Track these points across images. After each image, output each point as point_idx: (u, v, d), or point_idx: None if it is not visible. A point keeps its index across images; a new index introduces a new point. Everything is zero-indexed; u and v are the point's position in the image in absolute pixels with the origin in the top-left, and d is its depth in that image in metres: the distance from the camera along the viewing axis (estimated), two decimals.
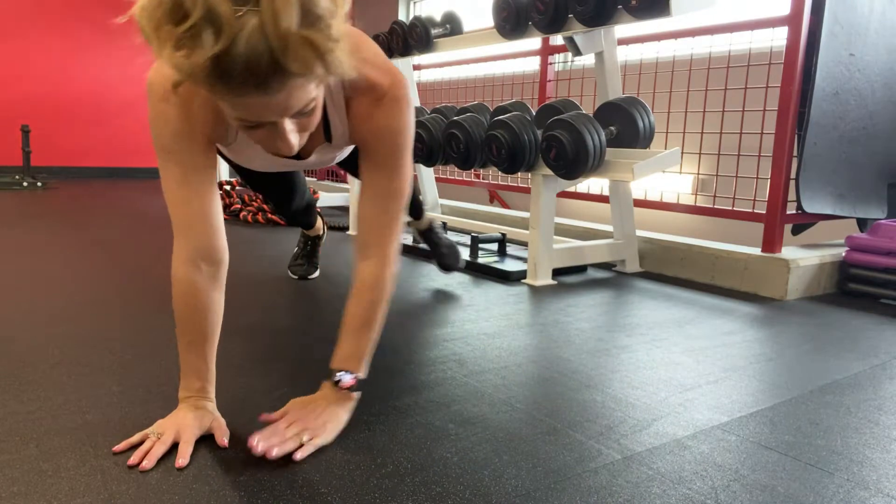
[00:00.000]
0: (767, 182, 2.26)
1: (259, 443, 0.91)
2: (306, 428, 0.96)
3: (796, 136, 2.23)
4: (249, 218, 3.48)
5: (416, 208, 2.11)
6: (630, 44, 2.79)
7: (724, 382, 1.33)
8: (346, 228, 3.36)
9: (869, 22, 2.29)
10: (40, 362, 1.29)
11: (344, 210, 4.19)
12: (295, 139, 0.82)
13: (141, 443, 0.94)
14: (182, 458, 0.90)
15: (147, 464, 0.88)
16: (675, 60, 2.72)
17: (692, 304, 2.02)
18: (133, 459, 0.89)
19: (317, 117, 0.85)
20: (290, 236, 3.09)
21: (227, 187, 3.94)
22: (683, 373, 1.38)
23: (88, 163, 6.67)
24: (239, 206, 3.69)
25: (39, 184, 5.04)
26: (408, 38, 3.10)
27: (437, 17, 3.11)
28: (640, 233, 2.60)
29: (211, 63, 0.67)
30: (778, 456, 1.01)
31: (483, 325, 1.68)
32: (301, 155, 1.13)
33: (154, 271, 2.20)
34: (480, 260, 2.44)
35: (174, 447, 0.93)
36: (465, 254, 2.54)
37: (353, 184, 3.28)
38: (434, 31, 3.04)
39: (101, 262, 2.31)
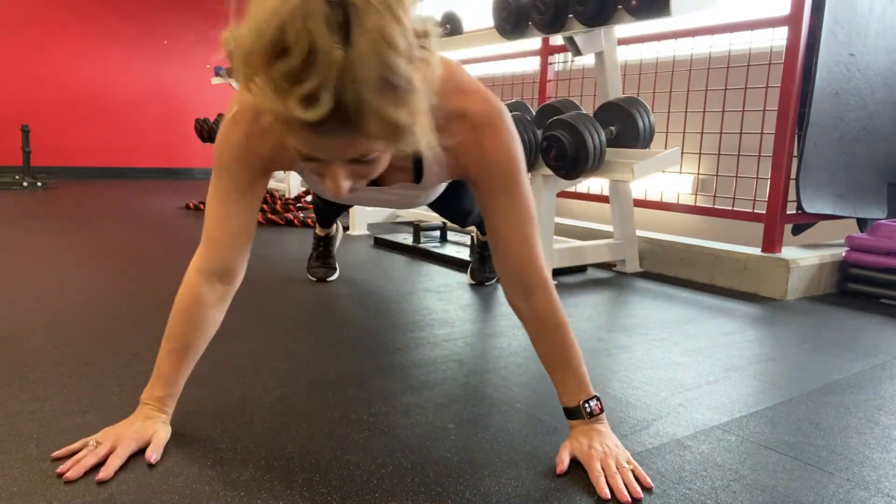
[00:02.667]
0: (767, 182, 2.26)
1: (621, 494, 0.86)
2: (616, 456, 0.92)
3: (796, 136, 2.23)
4: None
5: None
6: (630, 44, 2.79)
7: (724, 382, 1.33)
8: (346, 228, 3.35)
9: (869, 22, 2.29)
10: (40, 362, 1.29)
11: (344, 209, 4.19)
12: (346, 184, 0.77)
13: (79, 450, 0.91)
14: (104, 472, 0.86)
15: (72, 475, 0.85)
16: (675, 60, 2.72)
17: (692, 304, 2.02)
18: (61, 469, 0.87)
19: (380, 167, 0.80)
20: (290, 236, 3.09)
21: None
22: (683, 373, 1.38)
23: (88, 163, 6.66)
24: None
25: (39, 184, 5.04)
26: None
27: (437, 17, 3.11)
28: (640, 233, 2.59)
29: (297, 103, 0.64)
30: (778, 456, 1.01)
31: (483, 325, 1.68)
32: (378, 183, 1.08)
33: (154, 271, 2.20)
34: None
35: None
36: (465, 254, 2.55)
37: None
38: None
39: (101, 262, 2.31)
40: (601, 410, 0.98)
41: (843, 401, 1.26)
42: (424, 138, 0.73)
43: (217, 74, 5.84)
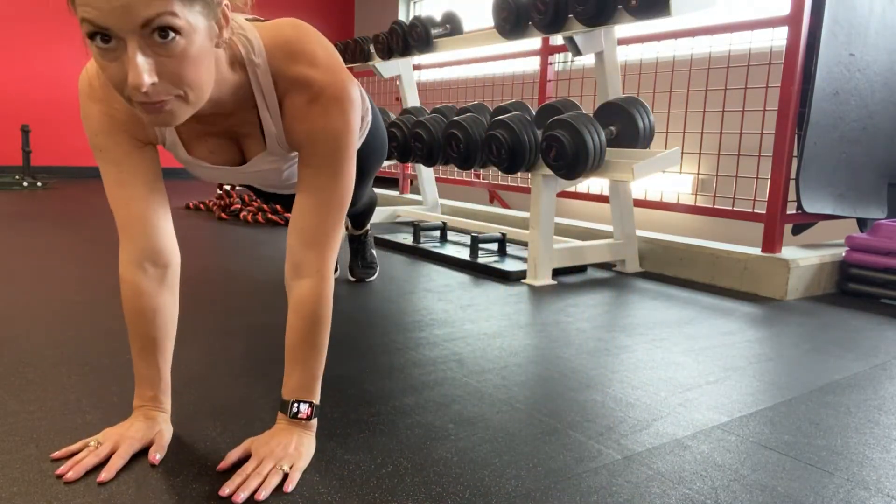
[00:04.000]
0: (767, 182, 2.27)
1: (239, 492, 0.82)
2: (281, 459, 0.89)
3: (796, 136, 2.23)
4: (249, 218, 3.48)
5: (361, 218, 2.09)
6: (630, 44, 2.79)
7: (724, 382, 1.33)
8: (346, 228, 3.35)
9: (869, 22, 2.29)
10: (40, 362, 1.29)
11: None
12: (146, 75, 0.70)
13: (79, 451, 0.91)
14: (106, 473, 0.85)
15: (72, 475, 0.85)
16: (675, 60, 2.72)
17: (692, 304, 2.02)
18: (61, 469, 0.86)
19: (186, 67, 0.73)
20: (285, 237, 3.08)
21: (227, 187, 3.94)
22: (683, 373, 1.38)
23: (88, 163, 6.66)
24: (239, 206, 3.69)
25: (39, 184, 5.04)
26: (408, 38, 3.10)
27: (437, 17, 3.11)
28: (640, 233, 2.60)
29: None
30: (778, 456, 1.01)
31: (483, 325, 1.68)
32: (246, 159, 1.03)
33: None
34: (480, 260, 2.44)
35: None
36: (465, 254, 2.55)
37: None
38: (434, 31, 3.05)
39: (101, 262, 2.31)
40: (308, 418, 0.94)
41: (843, 401, 1.26)
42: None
43: None
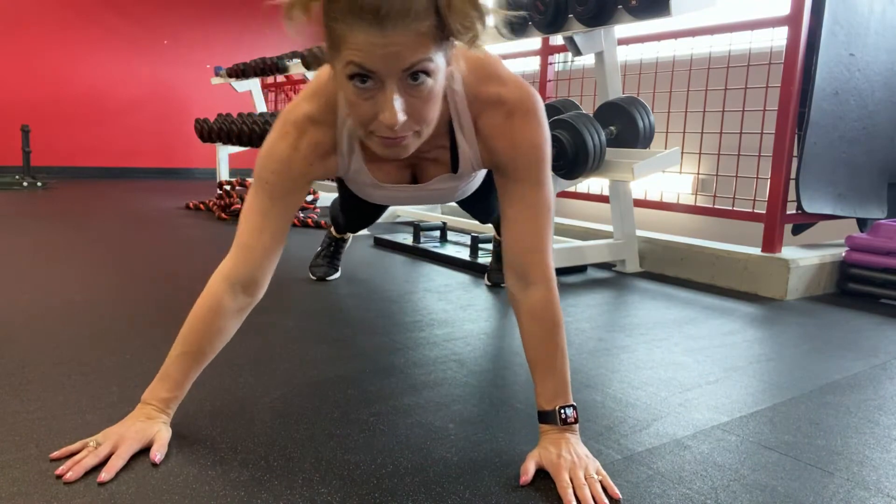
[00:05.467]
0: (767, 182, 2.27)
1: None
2: (586, 466, 0.90)
3: (796, 136, 2.23)
4: None
5: None
6: (630, 44, 2.79)
7: (724, 382, 1.33)
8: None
9: (869, 22, 2.29)
10: (40, 362, 1.29)
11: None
12: (400, 113, 0.78)
13: (78, 451, 0.90)
14: (106, 473, 0.85)
15: (71, 476, 0.85)
16: (675, 60, 2.72)
17: (692, 304, 2.02)
18: (60, 470, 0.86)
19: (429, 107, 0.81)
20: (289, 237, 3.08)
21: (227, 187, 3.94)
22: (683, 373, 1.38)
23: (88, 163, 6.67)
24: (239, 206, 3.69)
25: (39, 184, 5.04)
26: None
27: None
28: (640, 233, 2.59)
29: None
30: (778, 456, 1.01)
31: (483, 325, 1.68)
32: (418, 180, 1.09)
33: (154, 271, 2.20)
34: (481, 259, 2.44)
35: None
36: (465, 254, 2.55)
37: None
38: None
39: (101, 263, 2.31)
40: (576, 420, 0.95)
41: (843, 401, 1.26)
42: (483, 39, 0.77)
43: (217, 74, 5.84)
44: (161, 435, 0.95)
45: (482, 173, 1.24)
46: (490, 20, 0.77)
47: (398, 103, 0.77)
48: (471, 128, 0.96)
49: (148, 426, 0.95)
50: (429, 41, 0.75)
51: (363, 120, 0.81)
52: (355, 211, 1.78)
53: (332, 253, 2.17)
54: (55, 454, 0.91)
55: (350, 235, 2.21)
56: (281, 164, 0.96)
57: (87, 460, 0.88)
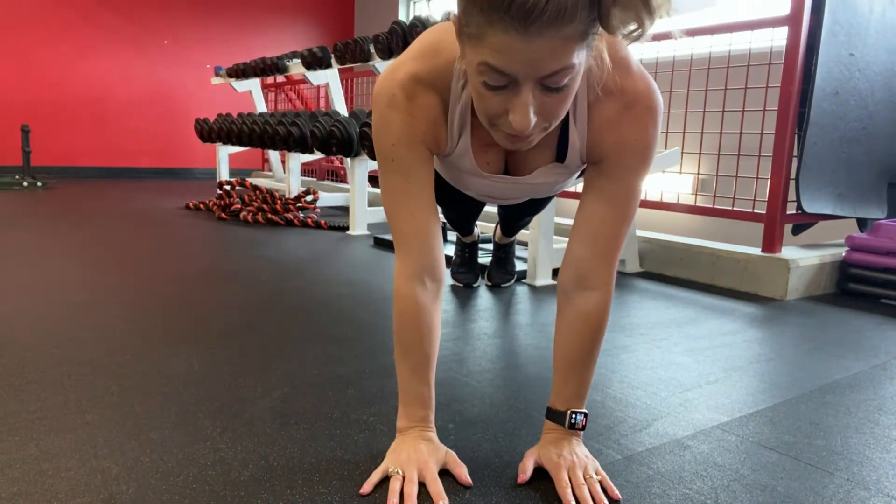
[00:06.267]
0: (767, 182, 2.27)
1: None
2: (585, 465, 0.89)
3: (796, 136, 2.23)
4: (249, 218, 3.48)
5: (520, 227, 2.03)
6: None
7: (724, 382, 1.33)
8: (346, 228, 3.36)
9: (869, 22, 2.29)
10: (40, 362, 1.29)
11: (343, 210, 4.19)
12: (532, 115, 0.72)
13: (386, 480, 0.87)
14: (443, 501, 0.82)
15: None
16: (675, 60, 2.72)
17: (692, 304, 2.02)
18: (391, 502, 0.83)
19: (563, 106, 0.75)
20: (290, 236, 3.09)
21: (227, 187, 3.94)
22: (683, 373, 1.38)
23: (88, 163, 6.67)
24: (239, 206, 3.69)
25: (39, 184, 5.04)
26: (408, 38, 3.10)
27: (437, 18, 3.11)
28: (640, 233, 2.60)
29: None
30: (778, 456, 1.01)
31: (483, 325, 1.68)
32: (520, 171, 0.99)
33: (154, 271, 2.20)
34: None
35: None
36: None
37: (353, 184, 3.28)
38: None
39: (101, 262, 2.31)
40: (584, 427, 0.94)
41: (843, 401, 1.26)
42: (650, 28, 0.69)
43: (217, 74, 5.84)
44: (453, 455, 0.92)
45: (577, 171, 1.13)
46: (657, 13, 0.67)
47: (532, 106, 0.72)
48: (584, 116, 0.88)
49: (433, 447, 0.91)
50: (575, 44, 0.68)
51: (490, 114, 0.75)
52: (458, 204, 1.51)
53: (468, 259, 2.15)
54: (366, 489, 0.86)
55: (478, 235, 2.16)
56: (400, 134, 0.88)
57: (411, 490, 0.84)
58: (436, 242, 0.93)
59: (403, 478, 0.86)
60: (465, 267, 2.14)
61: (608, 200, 0.90)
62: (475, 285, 2.15)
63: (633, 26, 0.67)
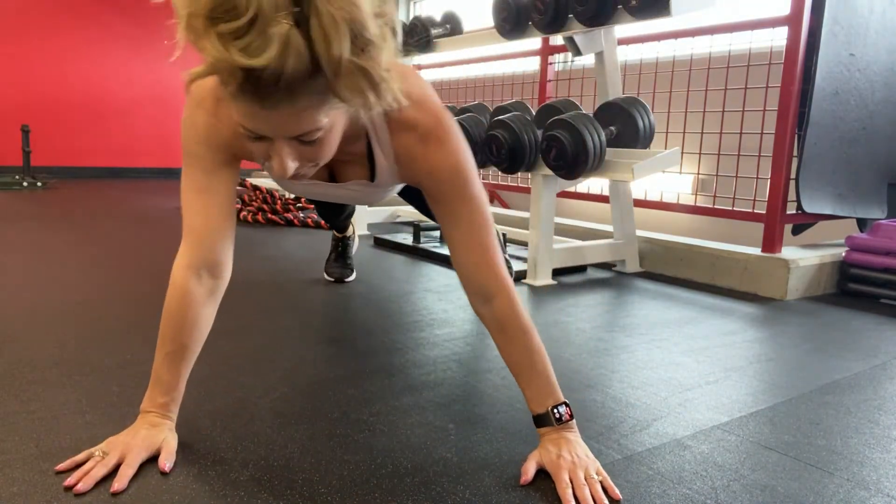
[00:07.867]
0: (767, 182, 2.26)
1: None
2: (586, 466, 0.90)
3: (796, 136, 2.23)
4: (249, 218, 3.48)
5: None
6: (630, 44, 2.79)
7: (724, 382, 1.33)
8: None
9: (869, 22, 2.29)
10: (40, 362, 1.29)
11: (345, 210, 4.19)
12: (291, 164, 0.77)
13: (84, 462, 0.88)
14: (118, 483, 0.84)
15: (82, 486, 0.83)
16: (675, 60, 2.72)
17: (692, 304, 2.02)
18: (69, 481, 0.84)
19: (325, 151, 0.80)
20: (290, 236, 3.09)
21: None
22: (683, 373, 1.38)
23: (88, 163, 6.66)
24: (239, 205, 3.69)
25: (39, 184, 5.03)
26: (408, 38, 3.10)
27: (437, 17, 3.11)
28: (640, 233, 2.59)
29: (243, 71, 0.65)
30: (778, 456, 1.01)
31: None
32: (340, 179, 1.08)
33: (154, 271, 2.20)
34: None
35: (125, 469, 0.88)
36: None
37: None
38: (434, 31, 3.04)
39: (101, 262, 2.31)
40: (571, 417, 0.95)
41: (843, 401, 1.26)
42: (398, 92, 0.73)
43: None
44: (168, 442, 0.93)
45: (397, 186, 1.21)
46: (386, 87, 0.71)
47: (288, 157, 0.77)
48: (387, 143, 0.95)
49: (154, 434, 0.93)
50: (315, 110, 0.72)
51: (258, 157, 0.81)
52: (319, 204, 1.77)
53: (340, 254, 2.16)
54: (61, 466, 0.88)
55: (354, 235, 2.20)
56: (203, 131, 0.92)
57: (96, 471, 0.86)
58: (225, 242, 0.98)
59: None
60: (338, 262, 2.15)
61: (460, 220, 0.96)
62: (347, 280, 2.14)
63: (360, 100, 0.71)
